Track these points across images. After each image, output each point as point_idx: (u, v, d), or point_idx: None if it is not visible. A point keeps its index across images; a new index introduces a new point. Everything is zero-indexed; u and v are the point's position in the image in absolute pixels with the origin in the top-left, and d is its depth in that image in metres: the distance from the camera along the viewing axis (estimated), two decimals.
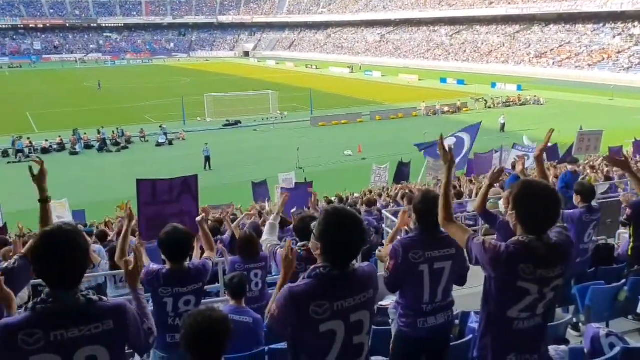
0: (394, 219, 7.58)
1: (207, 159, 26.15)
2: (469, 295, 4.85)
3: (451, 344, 4.00)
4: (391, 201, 12.26)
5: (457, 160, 15.45)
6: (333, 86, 57.66)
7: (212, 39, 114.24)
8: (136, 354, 3.97)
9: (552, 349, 3.54)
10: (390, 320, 4.20)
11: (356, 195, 15.35)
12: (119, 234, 8.80)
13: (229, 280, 4.51)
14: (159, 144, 31.70)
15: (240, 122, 37.44)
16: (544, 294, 2.83)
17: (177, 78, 65.00)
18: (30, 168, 3.34)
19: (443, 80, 60.17)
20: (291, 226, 7.24)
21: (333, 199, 13.94)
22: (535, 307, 2.87)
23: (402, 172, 19.82)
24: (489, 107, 42.60)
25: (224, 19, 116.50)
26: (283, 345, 4.07)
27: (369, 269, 2.72)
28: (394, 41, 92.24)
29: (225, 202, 17.08)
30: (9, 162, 28.24)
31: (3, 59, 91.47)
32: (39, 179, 3.31)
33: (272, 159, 27.01)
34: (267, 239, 4.41)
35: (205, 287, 4.43)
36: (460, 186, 13.38)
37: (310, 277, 2.55)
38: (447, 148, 3.19)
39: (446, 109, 40.93)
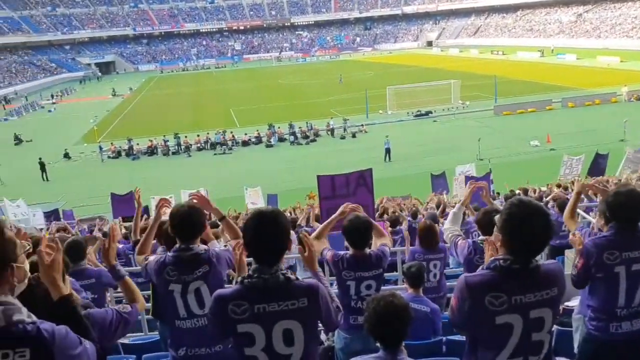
0: (585, 215, 7.04)
1: (388, 150, 26.60)
2: None
3: None
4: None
5: None
6: (520, 72, 54.43)
7: (396, 31, 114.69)
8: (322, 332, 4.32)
9: None
10: (573, 328, 3.98)
11: (543, 189, 14.41)
12: (306, 220, 9.48)
13: (407, 269, 4.64)
14: (343, 137, 33.12)
15: (431, 112, 37.25)
16: None
17: (362, 72, 66.50)
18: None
19: None
20: (469, 218, 7.14)
21: (517, 191, 13.31)
22: None
23: (598, 165, 17.99)
24: None
25: (408, 9, 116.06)
26: (461, 337, 4.12)
27: (555, 267, 2.64)
28: (592, 20, 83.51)
29: (403, 193, 17.31)
30: (215, 154, 31.80)
31: (210, 60, 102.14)
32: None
33: (451, 150, 26.56)
34: (449, 228, 4.39)
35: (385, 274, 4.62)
36: None
37: (489, 268, 2.56)
38: None
39: None
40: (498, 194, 14.04)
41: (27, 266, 2.12)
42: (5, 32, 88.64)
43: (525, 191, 12.85)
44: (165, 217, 4.00)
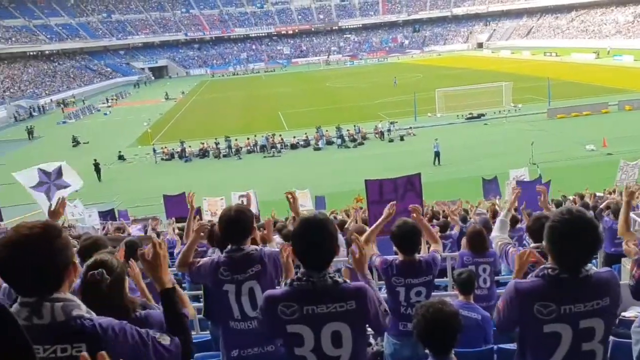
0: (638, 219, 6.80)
1: (437, 154, 26.26)
2: None
3: None
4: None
5: None
6: (574, 74, 52.63)
7: (446, 33, 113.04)
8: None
9: None
10: (633, 341, 3.86)
11: (599, 194, 13.93)
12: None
13: (458, 276, 4.59)
14: (391, 140, 32.98)
15: (484, 115, 36.64)
16: None
17: (410, 74, 65.88)
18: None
19: None
20: (523, 224, 7.01)
21: (571, 197, 12.93)
22: None
23: None
24: None
25: (458, 10, 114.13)
26: (512, 345, 4.06)
27: (608, 275, 2.58)
28: None
29: (453, 198, 17.05)
30: (264, 157, 32.26)
31: (260, 64, 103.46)
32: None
33: (503, 154, 25.99)
34: (497, 236, 4.32)
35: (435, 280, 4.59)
36: None
37: (538, 276, 2.54)
38: None
39: None
40: (552, 200, 13.63)
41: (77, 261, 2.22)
42: (64, 38, 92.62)
43: (582, 197, 12.47)
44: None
